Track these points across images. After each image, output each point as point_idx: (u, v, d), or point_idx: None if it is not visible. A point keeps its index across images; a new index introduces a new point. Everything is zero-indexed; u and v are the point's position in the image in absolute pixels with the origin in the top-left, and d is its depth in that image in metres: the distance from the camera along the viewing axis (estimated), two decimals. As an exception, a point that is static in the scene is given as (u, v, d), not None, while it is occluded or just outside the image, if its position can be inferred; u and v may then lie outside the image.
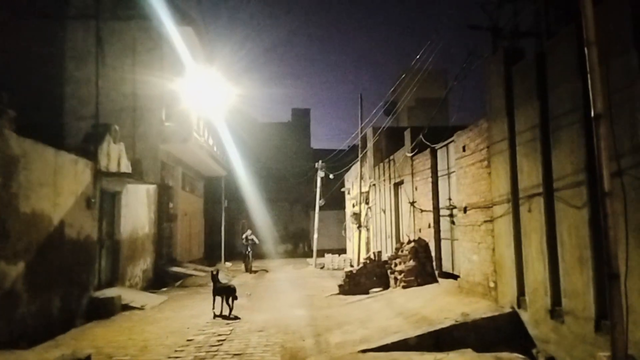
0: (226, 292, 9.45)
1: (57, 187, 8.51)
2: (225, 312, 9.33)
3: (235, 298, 9.45)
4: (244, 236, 20.55)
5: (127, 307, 10.01)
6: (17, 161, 7.23)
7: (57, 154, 8.64)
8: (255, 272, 19.38)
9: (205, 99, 17.46)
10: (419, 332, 6.62)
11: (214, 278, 9.66)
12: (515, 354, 5.65)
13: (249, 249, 19.93)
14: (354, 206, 20.48)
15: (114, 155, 11.37)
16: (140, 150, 14.61)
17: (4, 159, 6.88)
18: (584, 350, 5.17)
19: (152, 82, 14.96)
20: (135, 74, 15.02)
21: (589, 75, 4.01)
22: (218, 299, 9.49)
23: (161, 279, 14.22)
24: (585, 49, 4.02)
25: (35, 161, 7.78)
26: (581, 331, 5.26)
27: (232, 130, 23.29)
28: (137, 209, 13.17)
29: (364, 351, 6.26)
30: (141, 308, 10.20)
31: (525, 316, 6.52)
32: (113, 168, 11.13)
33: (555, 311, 5.81)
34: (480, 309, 7.14)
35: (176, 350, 6.73)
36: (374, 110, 36.41)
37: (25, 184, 7.43)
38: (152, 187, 14.54)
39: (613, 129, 4.45)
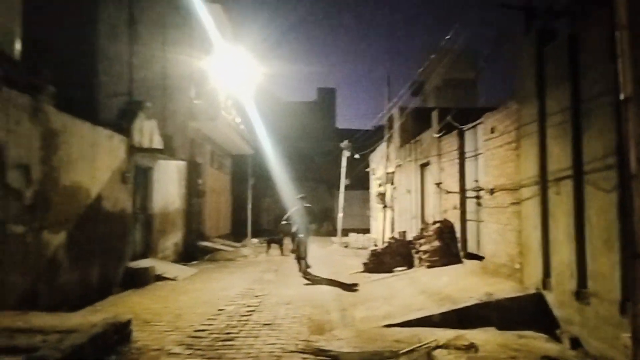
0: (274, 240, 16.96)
1: (94, 161, 8.85)
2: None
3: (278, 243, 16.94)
4: (287, 214, 12.94)
5: (160, 278, 10.41)
6: (57, 135, 7.53)
7: (94, 130, 8.95)
8: (315, 280, 11.00)
9: (232, 77, 17.61)
10: (442, 309, 6.76)
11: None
12: (539, 334, 5.75)
13: (299, 233, 12.10)
14: (379, 186, 20.53)
15: (147, 131, 11.68)
16: (171, 127, 14.88)
17: (45, 133, 7.19)
18: (608, 332, 5.24)
19: (181, 60, 15.14)
20: (165, 52, 15.18)
21: (619, 59, 4.00)
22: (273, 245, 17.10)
23: (191, 253, 14.66)
24: (617, 32, 4.00)
25: (74, 136, 8.09)
26: (606, 313, 5.32)
27: (258, 108, 23.43)
28: (168, 185, 13.55)
29: (388, 326, 6.44)
30: (173, 279, 10.60)
31: (550, 297, 6.58)
32: (146, 144, 11.45)
33: (581, 293, 5.86)
34: (504, 289, 7.22)
35: (209, 319, 7.03)
36: (401, 91, 35.99)
37: (65, 157, 7.75)
38: (182, 164, 14.89)
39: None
